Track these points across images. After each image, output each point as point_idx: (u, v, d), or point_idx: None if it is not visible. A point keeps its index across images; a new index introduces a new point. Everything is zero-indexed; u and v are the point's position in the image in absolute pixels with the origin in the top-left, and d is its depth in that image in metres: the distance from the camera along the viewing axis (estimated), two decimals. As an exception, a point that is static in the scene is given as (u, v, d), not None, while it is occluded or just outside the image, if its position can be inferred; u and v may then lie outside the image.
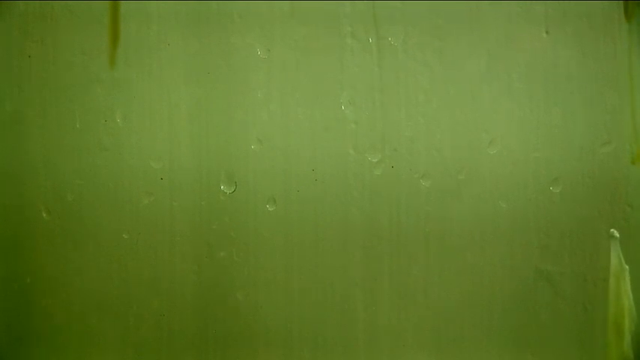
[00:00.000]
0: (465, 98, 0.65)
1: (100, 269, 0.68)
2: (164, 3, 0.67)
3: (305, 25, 0.66)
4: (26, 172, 0.69)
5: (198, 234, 0.67)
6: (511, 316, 0.65)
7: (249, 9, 0.67)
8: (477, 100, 0.65)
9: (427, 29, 0.65)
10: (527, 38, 0.65)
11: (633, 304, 0.63)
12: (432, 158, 0.65)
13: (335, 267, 0.66)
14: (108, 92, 0.68)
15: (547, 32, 0.65)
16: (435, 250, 0.65)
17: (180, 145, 0.67)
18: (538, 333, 0.65)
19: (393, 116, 0.66)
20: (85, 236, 0.68)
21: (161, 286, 0.68)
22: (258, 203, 0.66)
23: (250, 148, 0.67)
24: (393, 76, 0.66)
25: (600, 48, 0.65)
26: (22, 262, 0.69)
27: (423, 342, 0.65)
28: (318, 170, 0.66)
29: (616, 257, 0.64)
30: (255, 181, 0.67)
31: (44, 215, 0.69)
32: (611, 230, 0.64)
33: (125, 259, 0.68)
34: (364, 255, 0.66)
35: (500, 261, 0.65)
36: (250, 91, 0.67)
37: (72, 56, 0.69)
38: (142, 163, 0.68)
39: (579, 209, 0.64)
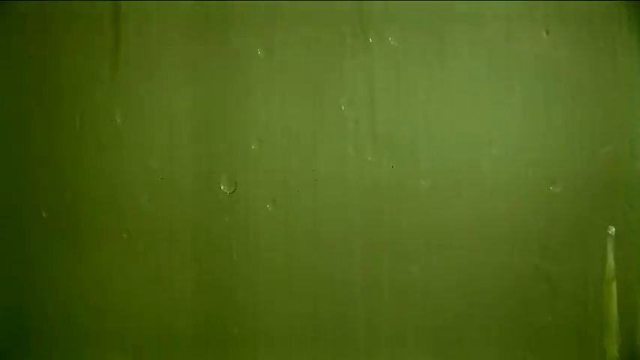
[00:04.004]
0: (465, 98, 0.65)
1: (100, 269, 0.68)
2: (164, 3, 0.67)
3: (305, 25, 0.66)
4: (26, 172, 0.69)
5: (198, 234, 0.67)
6: (511, 316, 0.65)
7: (249, 9, 0.67)
8: (477, 100, 0.65)
9: (427, 29, 0.65)
10: (527, 38, 0.65)
11: (616, 301, 0.63)
12: (432, 158, 0.65)
13: (335, 266, 0.66)
14: (108, 92, 0.68)
15: (547, 32, 0.65)
16: (435, 249, 0.65)
17: (180, 145, 0.67)
18: (538, 332, 0.65)
19: (393, 116, 0.66)
20: (85, 236, 0.68)
21: (161, 286, 0.68)
22: (258, 203, 0.66)
23: (250, 148, 0.67)
24: (393, 76, 0.66)
25: (600, 48, 0.65)
26: (22, 262, 0.69)
27: (423, 342, 0.65)
28: (318, 170, 0.66)
29: (612, 255, 0.64)
30: (255, 181, 0.67)
31: (44, 215, 0.69)
32: (608, 227, 0.64)
33: (125, 259, 0.68)
34: (364, 254, 0.66)
35: (500, 261, 0.65)
36: (250, 91, 0.67)
37: (72, 56, 0.69)
38: (141, 163, 0.68)
39: (579, 209, 0.64)
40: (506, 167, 0.65)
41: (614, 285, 0.64)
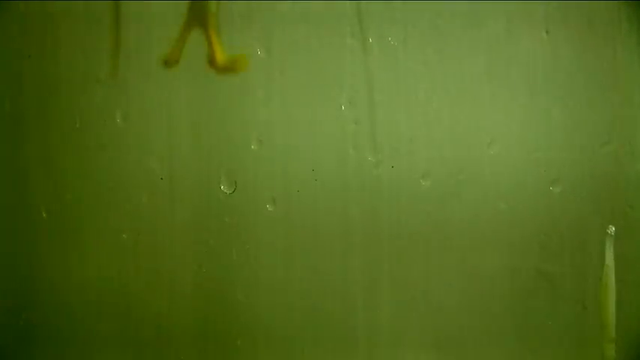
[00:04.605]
0: (465, 98, 0.65)
1: (100, 269, 0.68)
2: (164, 3, 0.67)
3: (305, 25, 0.66)
4: (26, 172, 0.69)
5: (198, 234, 0.67)
6: (511, 316, 0.65)
7: (249, 9, 0.66)
8: (477, 100, 0.65)
9: (427, 29, 0.65)
10: (527, 38, 0.65)
11: (615, 302, 0.64)
12: (432, 158, 0.65)
13: (335, 266, 0.66)
14: (108, 92, 0.68)
15: (547, 32, 0.65)
16: (435, 249, 0.65)
17: (180, 145, 0.67)
18: (538, 332, 0.65)
19: (393, 116, 0.66)
20: (85, 236, 0.68)
21: (161, 286, 0.68)
22: (258, 203, 0.66)
23: (250, 148, 0.67)
24: (393, 76, 0.66)
25: (600, 48, 0.65)
26: (22, 262, 0.69)
27: (423, 342, 0.65)
28: (318, 170, 0.66)
29: (611, 255, 0.64)
30: (255, 181, 0.67)
31: (44, 215, 0.69)
32: (608, 227, 0.64)
33: (125, 259, 0.68)
34: (364, 255, 0.66)
35: (500, 261, 0.65)
36: (250, 91, 0.67)
37: (72, 56, 0.69)
38: (141, 163, 0.68)
39: (579, 209, 0.64)
40: (506, 167, 0.65)
41: (613, 285, 0.64)
